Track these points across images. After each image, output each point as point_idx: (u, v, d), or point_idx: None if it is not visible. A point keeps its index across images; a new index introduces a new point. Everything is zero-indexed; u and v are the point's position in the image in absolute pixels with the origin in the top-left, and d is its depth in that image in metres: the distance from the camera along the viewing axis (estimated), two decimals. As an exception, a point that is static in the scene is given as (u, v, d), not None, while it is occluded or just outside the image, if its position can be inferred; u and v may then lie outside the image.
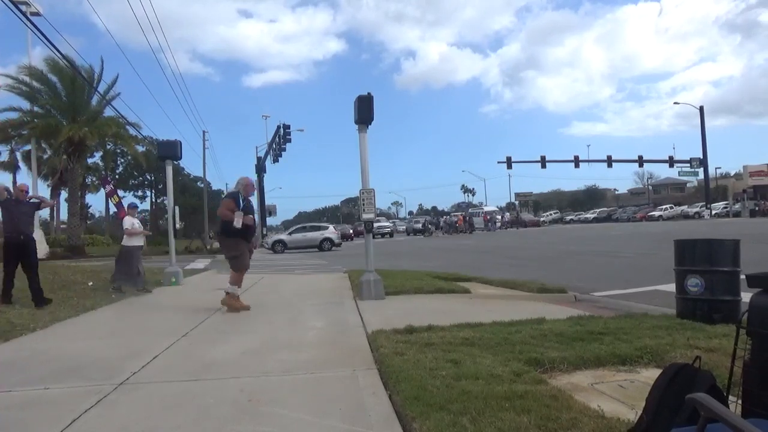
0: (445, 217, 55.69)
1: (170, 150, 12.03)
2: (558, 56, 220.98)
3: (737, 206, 51.21)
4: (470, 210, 60.13)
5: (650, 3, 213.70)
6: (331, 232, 32.49)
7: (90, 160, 40.21)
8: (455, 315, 5.95)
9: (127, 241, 10.21)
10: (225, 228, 7.41)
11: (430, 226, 49.22)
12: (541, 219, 61.45)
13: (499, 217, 53.66)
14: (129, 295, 9.48)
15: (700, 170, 55.41)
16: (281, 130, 41.06)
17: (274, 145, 41.99)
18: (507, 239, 30.10)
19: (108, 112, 28.46)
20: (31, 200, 8.68)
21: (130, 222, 10.32)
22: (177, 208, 12.45)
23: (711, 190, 55.00)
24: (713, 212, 49.73)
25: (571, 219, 67.67)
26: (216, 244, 36.42)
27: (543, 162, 54.15)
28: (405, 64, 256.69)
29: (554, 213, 75.84)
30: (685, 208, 55.42)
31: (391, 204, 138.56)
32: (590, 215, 66.81)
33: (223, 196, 7.72)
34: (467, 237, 38.05)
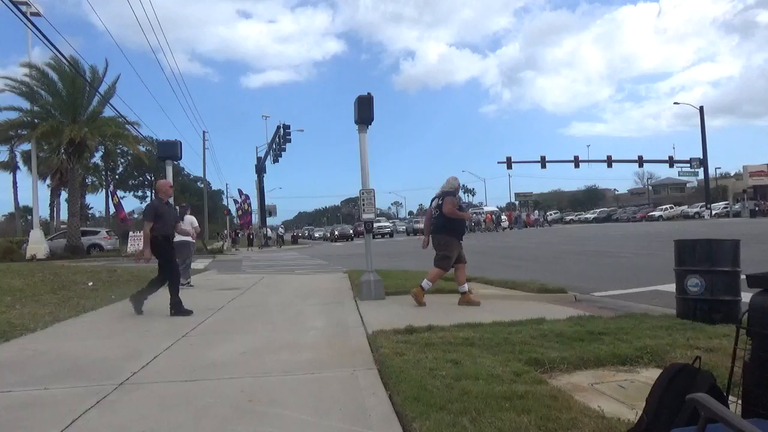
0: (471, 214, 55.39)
1: (170, 150, 12.04)
2: (557, 57, 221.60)
3: (737, 206, 51.20)
4: (470, 210, 60.09)
5: (649, 3, 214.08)
6: (101, 237, 29.70)
7: (90, 160, 40.16)
8: (455, 315, 5.95)
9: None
10: (450, 226, 7.27)
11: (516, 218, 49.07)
12: (544, 218, 60.86)
13: (524, 215, 53.97)
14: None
15: (700, 170, 55.39)
16: (281, 130, 41.08)
17: (274, 145, 42.01)
18: (507, 239, 30.10)
19: (107, 112, 28.48)
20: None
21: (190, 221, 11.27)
22: (177, 208, 12.45)
23: (711, 190, 54.98)
24: (713, 212, 49.71)
25: (571, 219, 67.59)
26: (216, 245, 36.43)
27: (543, 162, 54.15)
28: (404, 65, 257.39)
29: (554, 213, 75.79)
30: (685, 208, 55.38)
31: (391, 204, 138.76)
32: (590, 215, 66.76)
33: (437, 196, 7.58)
34: (488, 236, 38.00)
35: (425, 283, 7.21)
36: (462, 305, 7.09)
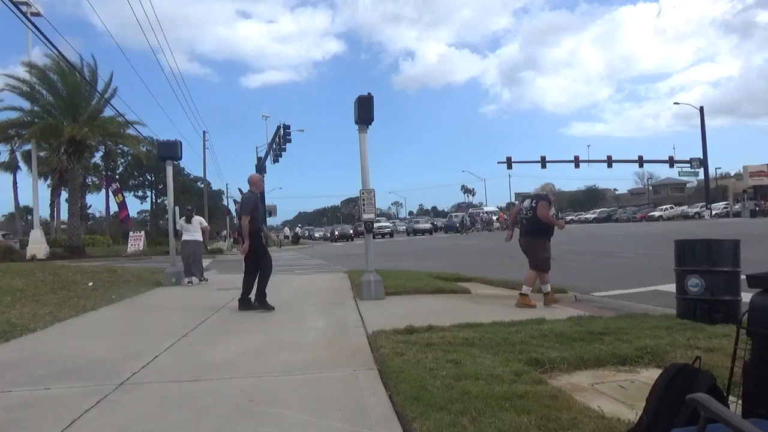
0: (482, 214, 55.10)
1: (170, 150, 12.03)
2: (556, 57, 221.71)
3: (737, 206, 51.17)
4: (470, 210, 60.07)
5: (649, 3, 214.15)
6: None
7: (90, 160, 40.15)
8: (455, 315, 5.95)
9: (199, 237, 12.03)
10: (541, 230, 7.26)
11: (467, 222, 49.02)
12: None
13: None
14: (132, 295, 9.49)
15: (700, 170, 55.37)
16: (281, 130, 40.97)
17: (274, 146, 41.93)
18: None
19: (107, 111, 28.48)
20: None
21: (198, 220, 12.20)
22: (177, 208, 12.55)
23: (711, 191, 54.97)
24: (713, 212, 49.69)
25: (572, 219, 67.33)
26: (216, 244, 36.41)
27: (543, 162, 54.10)
28: (404, 65, 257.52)
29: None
30: (685, 208, 55.36)
31: (391, 204, 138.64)
32: (590, 215, 66.68)
33: (529, 197, 7.58)
34: (492, 235, 37.99)
35: (525, 289, 7.09)
36: (549, 305, 7.01)
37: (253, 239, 7.13)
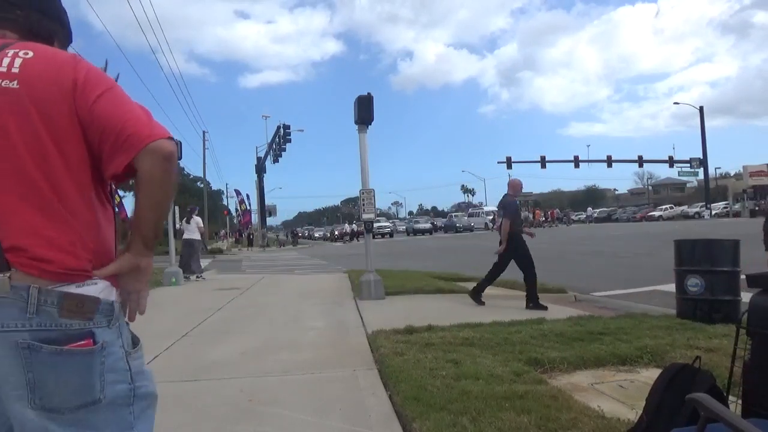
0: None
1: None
2: (554, 57, 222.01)
3: (737, 206, 51.14)
4: (470, 210, 60.02)
5: (647, 4, 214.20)
6: None
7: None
8: (455, 315, 5.95)
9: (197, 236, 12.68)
10: None
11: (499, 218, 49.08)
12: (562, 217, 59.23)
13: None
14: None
15: (700, 170, 55.34)
16: (281, 130, 41.02)
17: (274, 146, 41.97)
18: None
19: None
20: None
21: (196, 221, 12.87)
22: (177, 208, 12.63)
23: (711, 191, 54.92)
24: (713, 212, 49.66)
25: (578, 218, 66.05)
26: (216, 245, 36.38)
27: (543, 162, 54.08)
28: (402, 65, 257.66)
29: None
30: (685, 208, 55.29)
31: (391, 204, 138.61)
32: (585, 215, 66.42)
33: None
34: (494, 235, 37.94)
35: None
36: None
37: (518, 241, 7.18)
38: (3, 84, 1.08)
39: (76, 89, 1.11)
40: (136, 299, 1.25)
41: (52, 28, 1.27)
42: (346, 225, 52.79)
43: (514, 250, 7.16)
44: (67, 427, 1.07)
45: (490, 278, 7.38)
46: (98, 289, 1.13)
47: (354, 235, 46.08)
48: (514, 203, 7.51)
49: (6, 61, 1.10)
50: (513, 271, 7.53)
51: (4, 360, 1.03)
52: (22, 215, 1.06)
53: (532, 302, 6.88)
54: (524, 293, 7.06)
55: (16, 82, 1.08)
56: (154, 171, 1.13)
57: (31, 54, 1.13)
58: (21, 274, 1.04)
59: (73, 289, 1.08)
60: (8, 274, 1.03)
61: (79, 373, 1.07)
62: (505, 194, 7.57)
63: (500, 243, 7.29)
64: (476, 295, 7.25)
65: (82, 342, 1.07)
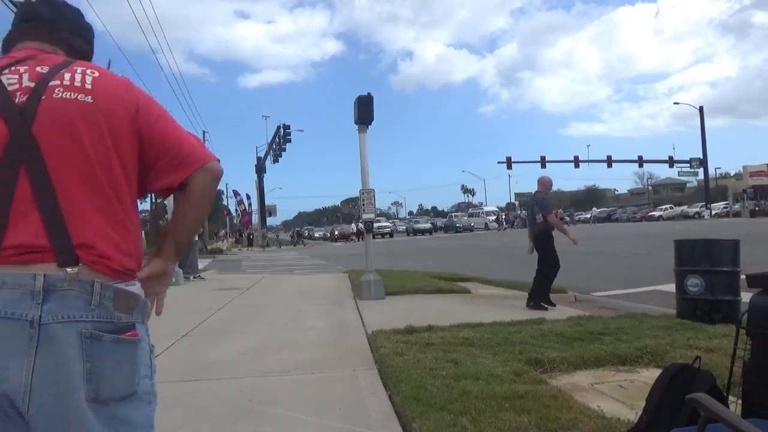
0: (519, 212, 55.16)
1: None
2: (554, 57, 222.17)
3: (737, 206, 51.12)
4: (470, 210, 60.02)
5: (647, 4, 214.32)
6: None
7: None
8: (455, 315, 5.95)
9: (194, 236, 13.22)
10: None
11: (514, 218, 49.53)
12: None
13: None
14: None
15: (700, 170, 55.31)
16: (281, 130, 41.00)
17: (274, 145, 41.96)
18: (508, 238, 30.09)
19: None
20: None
21: None
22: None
23: (711, 191, 54.88)
24: (713, 212, 49.63)
25: (579, 218, 65.44)
26: (216, 245, 36.38)
27: (543, 162, 54.04)
28: (402, 65, 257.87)
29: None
30: (685, 208, 55.26)
31: (391, 204, 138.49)
32: (589, 215, 66.40)
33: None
34: (497, 235, 37.98)
35: None
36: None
37: (550, 239, 7.11)
38: (79, 98, 1.20)
39: (138, 110, 1.27)
40: (153, 301, 1.36)
41: (87, 49, 1.44)
42: (353, 224, 52.66)
43: (546, 245, 7.08)
44: (107, 419, 1.12)
45: (550, 278, 7.14)
46: (138, 287, 1.25)
47: (360, 234, 46.08)
48: (545, 199, 7.42)
49: (78, 77, 1.23)
50: (513, 272, 7.53)
51: (68, 349, 1.08)
52: (90, 216, 1.16)
53: (535, 301, 6.83)
54: (524, 293, 7.06)
55: (90, 97, 1.21)
56: (205, 188, 1.31)
57: (97, 74, 1.27)
58: (87, 269, 1.13)
59: (123, 286, 1.18)
60: (76, 269, 1.11)
61: (127, 363, 1.16)
62: (537, 191, 7.49)
63: (564, 233, 7.29)
64: (538, 302, 6.90)
65: (130, 333, 1.17)
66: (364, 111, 8.38)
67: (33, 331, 1.05)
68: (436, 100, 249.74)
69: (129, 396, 1.16)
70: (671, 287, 6.04)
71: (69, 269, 1.10)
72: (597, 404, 3.06)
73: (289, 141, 41.19)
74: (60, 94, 1.19)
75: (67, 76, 1.22)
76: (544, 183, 7.56)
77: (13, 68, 1.21)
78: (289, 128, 41.19)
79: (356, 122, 8.53)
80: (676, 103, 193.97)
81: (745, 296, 3.47)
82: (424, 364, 3.86)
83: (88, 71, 1.26)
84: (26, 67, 1.22)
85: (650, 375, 3.48)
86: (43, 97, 1.17)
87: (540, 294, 6.97)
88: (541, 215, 7.09)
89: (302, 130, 55.30)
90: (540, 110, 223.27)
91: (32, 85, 1.18)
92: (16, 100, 1.16)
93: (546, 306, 6.77)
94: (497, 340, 4.58)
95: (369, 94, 8.48)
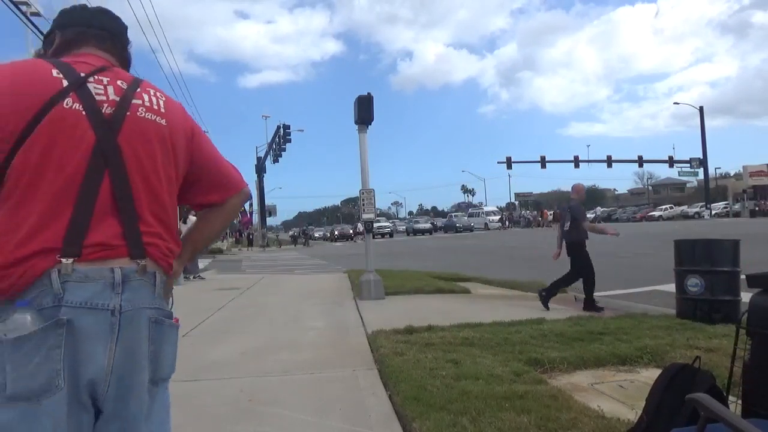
0: (523, 212, 55.85)
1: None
2: (554, 57, 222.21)
3: (737, 206, 51.13)
4: (470, 210, 60.00)
5: (647, 4, 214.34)
6: None
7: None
8: (455, 315, 5.95)
9: None
10: None
11: (518, 218, 50.21)
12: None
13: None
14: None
15: (700, 170, 55.30)
16: (281, 130, 40.98)
17: (274, 146, 41.94)
18: (508, 238, 30.10)
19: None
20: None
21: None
22: (178, 208, 13.00)
23: (711, 191, 54.88)
24: (713, 212, 49.63)
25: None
26: (216, 245, 36.36)
27: (543, 162, 54.07)
28: (402, 65, 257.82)
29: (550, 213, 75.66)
30: (685, 208, 55.24)
31: (391, 204, 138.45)
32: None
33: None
34: (473, 236, 37.96)
35: None
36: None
37: (583, 247, 7.17)
38: (156, 120, 1.35)
39: (193, 134, 1.46)
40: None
41: (130, 62, 1.56)
42: (359, 224, 52.87)
43: (579, 252, 7.14)
44: (155, 400, 1.31)
45: (590, 283, 7.09)
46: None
47: (359, 234, 46.11)
48: (581, 207, 7.47)
49: (154, 100, 1.38)
50: (513, 272, 7.52)
51: (139, 333, 1.22)
52: (152, 220, 1.31)
53: (590, 307, 6.76)
54: (524, 293, 7.06)
55: (165, 120, 1.36)
56: (237, 206, 1.57)
57: (164, 98, 1.42)
58: (152, 263, 1.27)
59: (166, 279, 1.35)
60: (144, 262, 1.25)
61: (174, 346, 1.35)
62: (571, 199, 7.56)
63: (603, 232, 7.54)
64: (591, 306, 6.85)
65: (174, 319, 1.34)
66: (364, 111, 8.38)
67: (114, 319, 1.17)
68: (435, 100, 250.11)
69: (167, 379, 1.36)
70: (671, 287, 6.04)
71: (140, 261, 1.24)
72: (597, 404, 3.06)
73: (289, 141, 41.17)
74: (143, 114, 1.33)
75: (146, 97, 1.36)
76: (578, 190, 7.59)
77: (96, 77, 1.31)
78: (289, 128, 41.17)
79: (356, 122, 8.52)
80: (676, 103, 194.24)
81: (745, 296, 3.47)
82: (424, 364, 3.86)
83: (158, 94, 1.41)
84: (108, 79, 1.32)
85: (650, 375, 3.48)
86: (128, 113, 1.30)
87: (591, 299, 6.99)
88: (576, 223, 7.14)
89: (302, 130, 55.30)
90: (540, 110, 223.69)
91: (117, 99, 1.30)
92: (103, 111, 1.27)
93: (601, 307, 6.78)
94: (497, 340, 4.58)
95: (369, 94, 8.48)
